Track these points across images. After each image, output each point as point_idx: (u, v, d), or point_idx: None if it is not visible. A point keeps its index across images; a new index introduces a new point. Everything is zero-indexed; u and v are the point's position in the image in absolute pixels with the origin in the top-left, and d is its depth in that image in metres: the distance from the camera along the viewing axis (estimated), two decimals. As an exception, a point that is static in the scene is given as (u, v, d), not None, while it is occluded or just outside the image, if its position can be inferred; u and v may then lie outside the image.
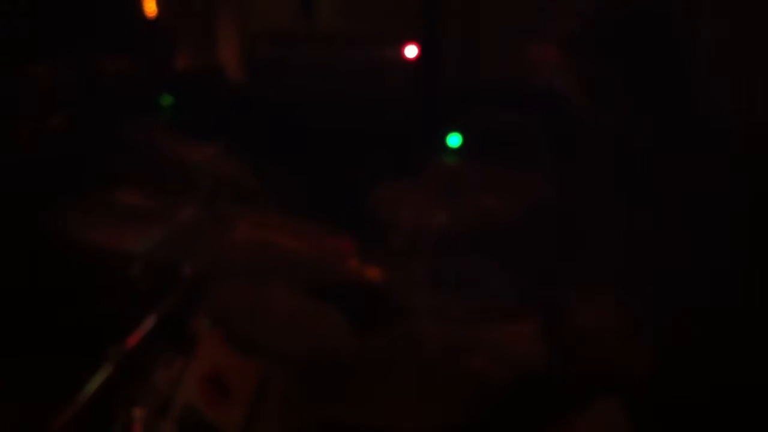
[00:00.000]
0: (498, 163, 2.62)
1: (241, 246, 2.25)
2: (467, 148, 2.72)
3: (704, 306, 2.23)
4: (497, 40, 2.77)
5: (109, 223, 2.21)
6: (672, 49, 2.64)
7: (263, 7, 2.82)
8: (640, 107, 2.61)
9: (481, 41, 2.79)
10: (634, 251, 2.41)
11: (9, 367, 1.98)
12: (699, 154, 2.50)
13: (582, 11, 2.68)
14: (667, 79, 2.65)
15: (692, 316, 2.24)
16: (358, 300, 2.29)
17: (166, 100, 2.77)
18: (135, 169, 2.46)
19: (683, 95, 2.64)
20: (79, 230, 2.12)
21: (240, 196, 2.44)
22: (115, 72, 2.73)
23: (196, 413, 1.90)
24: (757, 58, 2.58)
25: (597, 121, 2.63)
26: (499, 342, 2.21)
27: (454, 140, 2.73)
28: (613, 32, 2.65)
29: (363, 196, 2.51)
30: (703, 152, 2.50)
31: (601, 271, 2.37)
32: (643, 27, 2.65)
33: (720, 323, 2.21)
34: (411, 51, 2.80)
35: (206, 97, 2.78)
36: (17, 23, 2.68)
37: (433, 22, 2.82)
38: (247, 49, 2.79)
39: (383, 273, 2.31)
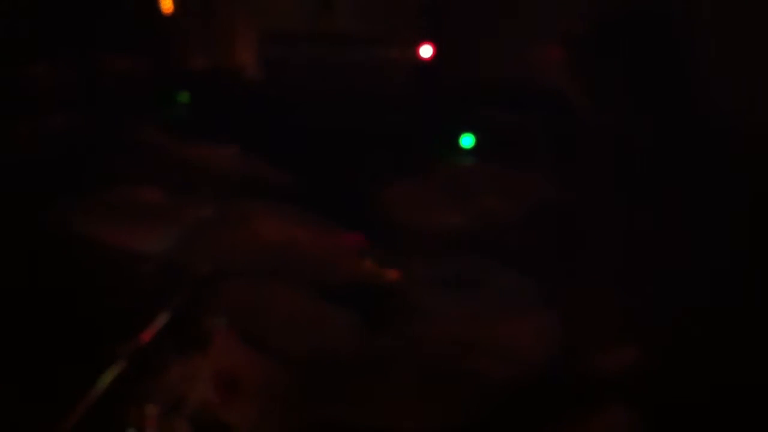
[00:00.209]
0: (502, 164, 2.64)
1: (251, 245, 2.26)
2: (477, 149, 2.73)
3: (704, 306, 2.24)
4: (503, 41, 2.77)
5: (121, 221, 2.22)
6: (673, 49, 2.66)
7: (278, 5, 2.81)
8: (641, 107, 2.63)
9: (485, 41, 2.80)
10: (635, 251, 2.42)
11: (21, 365, 1.97)
12: (699, 154, 2.51)
13: (584, 11, 2.70)
14: (667, 79, 2.67)
15: (692, 317, 2.25)
16: (365, 299, 2.30)
17: (179, 100, 2.76)
18: (145, 169, 2.46)
19: (683, 95, 2.66)
20: (90, 229, 2.13)
21: (251, 196, 2.45)
22: (124, 71, 2.73)
23: (209, 411, 1.91)
24: (757, 58, 2.60)
25: (598, 121, 2.65)
26: (504, 342, 2.21)
27: (466, 141, 2.73)
28: (615, 32, 2.67)
29: (372, 196, 2.52)
30: (703, 152, 2.51)
31: (603, 271, 2.38)
32: (645, 27, 2.66)
33: (720, 323, 2.22)
34: (426, 51, 2.79)
35: (219, 96, 2.78)
36: (19, 22, 2.68)
37: (443, 22, 2.82)
38: (261, 49, 2.78)
39: (391, 273, 2.32)
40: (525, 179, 2.59)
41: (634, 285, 2.35)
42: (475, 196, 2.54)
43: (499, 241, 2.43)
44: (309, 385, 2.12)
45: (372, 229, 2.42)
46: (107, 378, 1.88)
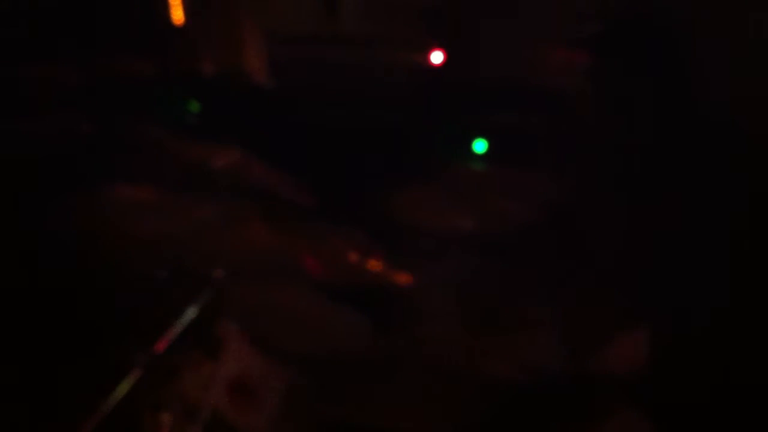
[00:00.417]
0: (514, 167, 2.65)
1: (261, 247, 2.28)
2: (490, 154, 2.73)
3: (704, 306, 2.26)
4: (512, 44, 2.76)
5: (133, 224, 2.23)
6: (675, 49, 2.66)
7: (285, 8, 2.81)
8: (647, 108, 2.64)
9: (494, 45, 2.79)
10: (641, 252, 2.43)
11: (36, 375, 1.98)
12: (699, 153, 2.52)
13: (594, 12, 2.70)
14: (669, 79, 2.67)
15: (692, 316, 2.27)
16: (374, 302, 2.32)
17: (188, 102, 2.76)
18: (154, 171, 2.46)
19: (684, 95, 2.66)
20: (105, 231, 2.14)
21: (261, 198, 2.46)
22: (134, 73, 2.72)
23: (223, 418, 1.93)
24: (757, 58, 2.60)
25: (606, 124, 2.65)
26: (515, 346, 2.23)
27: (479, 146, 2.73)
28: (625, 33, 2.67)
29: (382, 199, 2.53)
30: (702, 152, 2.52)
31: (610, 272, 2.39)
32: (651, 28, 2.67)
33: (720, 323, 2.24)
34: (437, 57, 2.77)
35: (227, 99, 2.77)
36: (20, 22, 2.67)
37: (453, 26, 2.81)
38: (269, 52, 2.78)
39: (401, 275, 2.34)
40: (536, 182, 2.60)
41: (639, 285, 2.37)
42: (486, 200, 2.55)
43: (509, 244, 2.44)
44: (318, 386, 2.14)
45: (382, 232, 2.44)
46: (124, 387, 1.90)
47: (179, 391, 1.93)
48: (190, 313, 2.06)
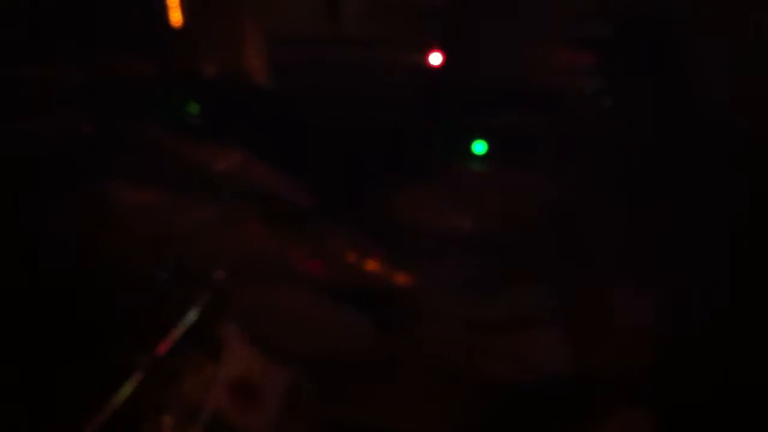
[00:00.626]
0: (515, 168, 2.65)
1: (262, 248, 2.28)
2: (490, 155, 2.73)
3: (704, 305, 2.27)
4: (513, 45, 2.76)
5: (133, 224, 2.24)
6: (680, 49, 2.67)
7: (286, 9, 2.80)
8: (647, 108, 2.64)
9: (495, 45, 2.79)
10: (638, 252, 2.44)
11: (37, 377, 1.98)
12: (698, 153, 2.52)
13: (597, 12, 2.70)
14: (671, 79, 2.68)
15: (692, 316, 2.28)
16: (376, 302, 2.32)
17: (189, 103, 2.76)
18: (154, 172, 2.46)
19: (684, 95, 2.66)
20: (105, 231, 2.15)
21: (261, 199, 2.46)
22: (134, 73, 2.72)
23: (225, 418, 1.93)
24: (757, 58, 2.60)
25: (603, 123, 2.66)
26: (518, 347, 2.23)
27: (479, 147, 2.73)
28: (629, 34, 2.67)
29: (382, 199, 2.53)
30: (702, 152, 2.52)
31: (612, 272, 2.40)
32: (654, 28, 2.67)
33: (720, 323, 2.24)
34: (435, 58, 2.77)
35: (228, 99, 2.77)
36: (20, 22, 2.67)
37: (453, 26, 2.81)
38: (270, 52, 2.77)
39: (402, 276, 2.35)
40: (536, 182, 2.60)
41: (639, 285, 2.37)
42: (486, 200, 2.56)
43: (509, 244, 2.44)
44: (319, 386, 2.14)
45: (382, 233, 2.44)
46: (125, 389, 1.90)
47: (180, 392, 1.93)
48: (192, 315, 2.07)
